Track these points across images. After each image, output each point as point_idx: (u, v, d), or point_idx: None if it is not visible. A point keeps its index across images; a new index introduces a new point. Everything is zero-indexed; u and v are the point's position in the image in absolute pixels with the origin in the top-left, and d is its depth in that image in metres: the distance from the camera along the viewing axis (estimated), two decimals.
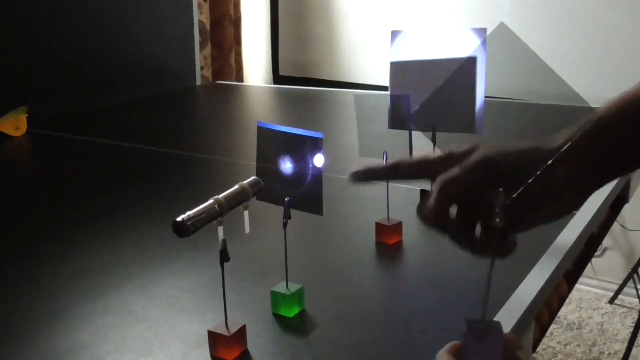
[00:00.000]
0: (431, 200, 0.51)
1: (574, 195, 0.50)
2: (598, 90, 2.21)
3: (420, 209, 0.52)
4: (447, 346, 0.46)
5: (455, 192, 0.51)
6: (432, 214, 0.51)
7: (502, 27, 0.80)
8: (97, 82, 1.88)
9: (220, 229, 0.55)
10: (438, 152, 0.54)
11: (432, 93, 0.90)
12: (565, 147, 0.49)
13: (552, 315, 0.79)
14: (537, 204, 0.50)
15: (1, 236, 0.92)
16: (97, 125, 1.69)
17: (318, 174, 0.61)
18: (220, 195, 0.55)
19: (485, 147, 0.52)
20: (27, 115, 1.54)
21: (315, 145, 0.61)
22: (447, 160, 0.53)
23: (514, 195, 0.49)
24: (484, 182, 0.50)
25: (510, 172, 0.50)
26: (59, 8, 1.75)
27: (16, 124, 1.52)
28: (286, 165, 0.62)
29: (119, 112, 1.84)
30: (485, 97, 0.88)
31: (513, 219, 0.50)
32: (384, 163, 0.57)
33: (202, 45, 2.56)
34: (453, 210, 0.53)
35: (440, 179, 0.51)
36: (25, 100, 1.57)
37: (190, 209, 0.54)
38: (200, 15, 2.48)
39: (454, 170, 0.51)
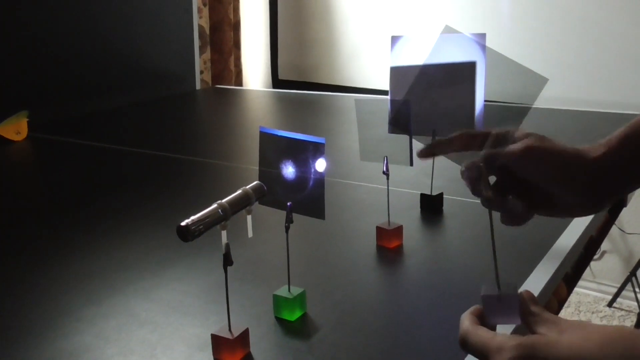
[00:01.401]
0: (475, 165, 0.59)
1: (597, 200, 0.59)
2: (597, 93, 2.22)
3: (465, 172, 0.61)
4: (469, 310, 0.49)
5: (497, 165, 0.59)
6: (473, 178, 0.60)
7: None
8: (97, 87, 1.89)
9: (224, 233, 0.55)
10: (498, 130, 0.63)
11: (432, 98, 0.91)
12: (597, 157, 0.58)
13: None
14: (558, 200, 0.59)
15: (2, 240, 0.92)
16: (98, 130, 1.69)
17: (320, 178, 0.62)
18: (224, 200, 0.56)
19: (536, 138, 0.59)
20: (27, 119, 1.55)
21: (317, 150, 0.61)
22: (502, 139, 0.62)
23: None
24: (523, 166, 0.58)
25: (549, 170, 0.58)
26: (60, 13, 1.75)
27: (17, 129, 1.53)
28: (288, 170, 0.63)
29: (119, 116, 1.85)
30: (485, 101, 0.89)
31: (536, 204, 0.60)
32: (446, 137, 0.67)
33: (202, 50, 2.57)
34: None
35: (490, 151, 0.60)
36: (25, 104, 1.58)
37: (191, 213, 0.54)
38: (199, 19, 2.49)
39: (504, 148, 0.59)
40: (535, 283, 0.72)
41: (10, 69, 1.64)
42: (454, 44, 0.90)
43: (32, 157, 1.49)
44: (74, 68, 1.81)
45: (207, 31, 2.65)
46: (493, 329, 0.48)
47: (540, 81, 0.67)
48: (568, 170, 0.58)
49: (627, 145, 0.58)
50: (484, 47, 0.88)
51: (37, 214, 1.04)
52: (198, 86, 2.31)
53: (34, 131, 1.56)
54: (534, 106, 1.81)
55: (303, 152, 0.62)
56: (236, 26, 2.79)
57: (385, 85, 0.93)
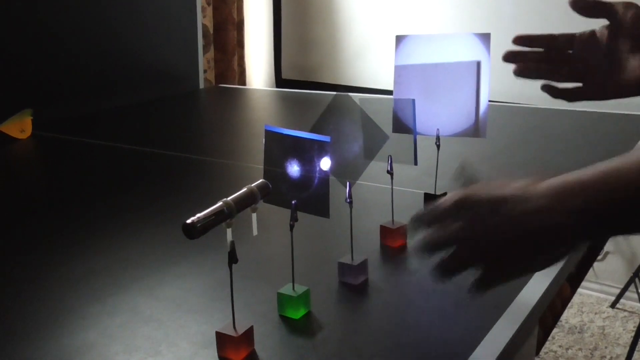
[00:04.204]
0: (436, 231, 0.58)
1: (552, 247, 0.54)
2: None
3: (420, 220, 0.59)
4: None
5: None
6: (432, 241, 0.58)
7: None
8: (101, 85, 1.90)
9: (229, 231, 0.56)
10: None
11: (436, 97, 0.91)
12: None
13: (556, 318, 0.79)
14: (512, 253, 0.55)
15: (7, 238, 0.93)
16: (102, 128, 1.69)
17: (325, 177, 0.62)
18: (229, 198, 0.56)
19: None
20: (32, 117, 1.55)
21: (322, 148, 0.61)
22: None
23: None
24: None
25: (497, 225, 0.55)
26: (65, 12, 1.76)
27: (21, 127, 1.53)
28: (293, 168, 0.63)
29: (123, 115, 1.85)
30: (490, 101, 0.89)
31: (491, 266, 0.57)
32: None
33: (206, 49, 2.57)
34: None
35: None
36: (30, 102, 1.58)
37: (195, 211, 0.54)
38: (203, 18, 2.49)
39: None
40: (539, 282, 0.72)
41: (14, 67, 1.64)
42: (459, 44, 0.90)
43: (37, 155, 1.50)
44: (78, 66, 1.81)
45: (211, 30, 2.65)
46: None
47: None
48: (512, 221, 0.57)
49: None
50: (488, 47, 0.89)
51: (41, 212, 1.05)
52: (202, 85, 2.31)
53: (38, 129, 1.57)
54: (538, 107, 1.82)
55: (308, 151, 0.62)
56: (240, 25, 2.80)
57: (388, 85, 0.93)
